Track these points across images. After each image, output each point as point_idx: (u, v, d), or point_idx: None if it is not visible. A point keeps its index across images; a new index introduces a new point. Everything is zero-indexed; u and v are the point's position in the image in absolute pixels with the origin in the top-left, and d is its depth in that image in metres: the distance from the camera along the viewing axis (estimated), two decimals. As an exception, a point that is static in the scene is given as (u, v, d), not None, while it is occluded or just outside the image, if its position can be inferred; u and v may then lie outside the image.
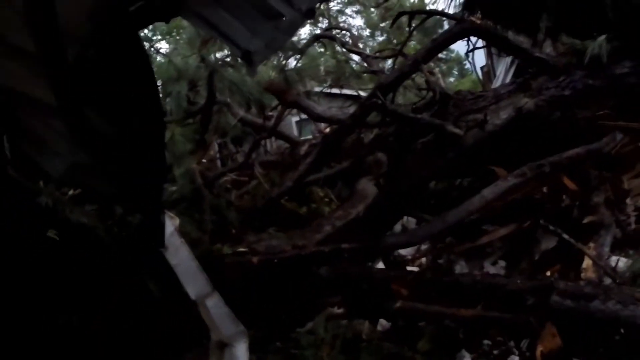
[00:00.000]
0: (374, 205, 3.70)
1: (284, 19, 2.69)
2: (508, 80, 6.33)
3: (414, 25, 5.62)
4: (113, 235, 3.28)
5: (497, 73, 6.71)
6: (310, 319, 3.71)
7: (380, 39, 14.28)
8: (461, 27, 4.60)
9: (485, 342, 3.12)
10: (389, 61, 9.30)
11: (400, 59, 6.12)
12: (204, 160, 6.43)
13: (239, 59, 2.88)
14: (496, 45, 5.24)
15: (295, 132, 10.89)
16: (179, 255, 2.87)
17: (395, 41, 12.56)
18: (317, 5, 3.09)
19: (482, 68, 9.21)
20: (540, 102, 4.47)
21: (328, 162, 5.39)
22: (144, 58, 2.49)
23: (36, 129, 2.52)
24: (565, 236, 3.55)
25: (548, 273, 3.64)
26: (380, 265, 4.06)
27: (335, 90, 9.17)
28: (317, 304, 3.77)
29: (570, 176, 4.16)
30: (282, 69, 6.18)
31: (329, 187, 5.52)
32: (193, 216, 3.99)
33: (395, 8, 11.26)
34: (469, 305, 2.90)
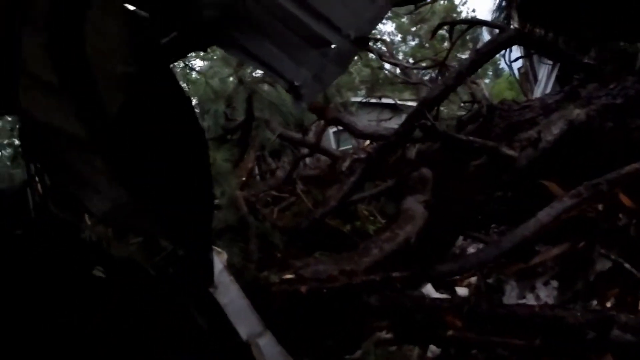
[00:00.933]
0: (425, 232, 3.60)
1: (332, 47, 2.55)
2: (551, 84, 6.14)
3: (454, 34, 5.46)
4: (160, 272, 3.24)
5: (539, 77, 6.51)
6: (358, 345, 3.64)
7: (413, 43, 14.14)
8: (507, 36, 4.45)
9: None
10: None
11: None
12: (243, 178, 6.42)
13: (286, 91, 2.75)
14: (543, 53, 5.07)
15: (332, 143, 10.82)
16: (229, 294, 2.83)
17: (427, 45, 12.45)
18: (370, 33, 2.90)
19: (519, 69, 8.98)
20: (591, 112, 4.30)
21: (373, 180, 5.31)
22: (179, 90, 2.41)
23: (76, 166, 2.39)
24: (621, 261, 3.38)
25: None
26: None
27: (372, 100, 9.08)
28: (366, 330, 3.69)
29: (626, 192, 3.98)
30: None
31: (372, 201, 5.43)
32: (238, 245, 3.96)
33: (427, 13, 11.13)
34: (524, 335, 2.79)
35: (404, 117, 9.85)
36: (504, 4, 5.29)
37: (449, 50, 5.81)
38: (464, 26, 5.77)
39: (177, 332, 3.11)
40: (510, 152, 3.40)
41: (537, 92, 6.37)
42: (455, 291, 4.21)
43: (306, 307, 3.52)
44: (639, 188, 3.93)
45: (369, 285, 3.42)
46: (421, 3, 7.28)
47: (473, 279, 4.40)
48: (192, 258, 3.08)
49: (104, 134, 2.12)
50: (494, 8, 5.73)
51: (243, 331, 2.75)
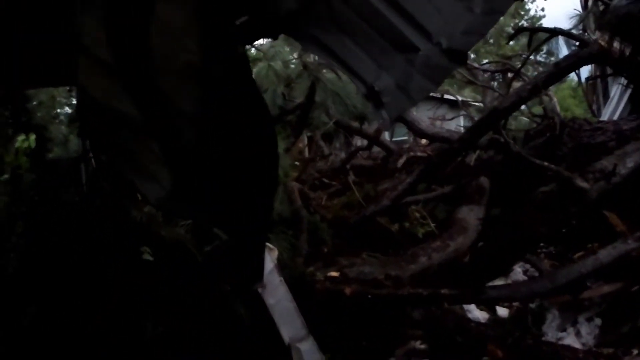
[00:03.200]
0: (479, 250, 3.53)
1: (420, 53, 2.30)
2: (623, 104, 5.84)
3: (533, 42, 5.22)
4: (209, 260, 3.24)
5: (611, 94, 6.20)
6: (392, 352, 3.63)
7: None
8: (589, 52, 4.24)
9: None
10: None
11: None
12: (296, 163, 6.42)
13: (364, 96, 2.58)
14: (624, 74, 4.81)
15: (387, 134, 10.67)
16: (277, 294, 2.81)
17: (491, 41, 11.98)
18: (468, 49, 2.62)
19: (587, 79, 8.55)
20: (669, 146, 4.07)
21: (429, 183, 5.22)
22: (249, 78, 2.21)
23: (132, 149, 2.30)
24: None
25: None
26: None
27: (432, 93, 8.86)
28: (400, 337, 3.67)
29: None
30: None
31: (425, 204, 5.35)
32: (289, 239, 3.96)
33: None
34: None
35: (462, 115, 9.69)
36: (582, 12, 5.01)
37: (526, 58, 5.57)
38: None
39: (217, 323, 3.14)
40: (583, 184, 3.26)
41: (608, 111, 6.09)
42: (496, 311, 4.14)
43: (348, 308, 3.52)
44: None
45: (414, 298, 3.40)
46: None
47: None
48: (244, 253, 3.07)
49: (166, 121, 2.04)
50: (573, 15, 5.46)
51: (286, 334, 2.75)
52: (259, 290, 2.85)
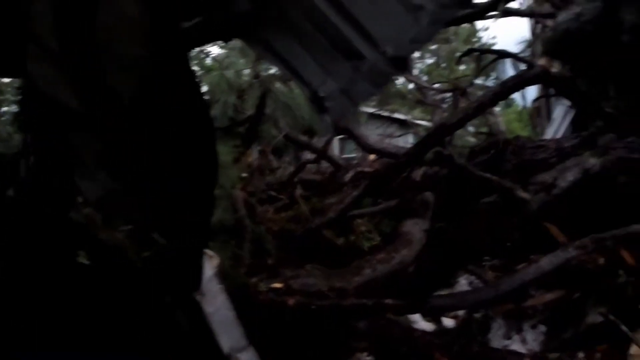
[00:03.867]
0: (423, 260, 3.52)
1: (366, 62, 2.36)
2: (565, 126, 6.08)
3: (479, 61, 5.38)
4: (148, 266, 3.09)
5: (553, 116, 6.45)
6: (336, 363, 3.56)
7: (430, 61, 14.05)
8: (534, 73, 4.38)
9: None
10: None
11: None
12: (244, 175, 6.32)
13: (308, 100, 2.59)
14: (567, 96, 5.00)
15: (337, 149, 10.75)
16: (216, 303, 2.70)
17: (444, 65, 12.39)
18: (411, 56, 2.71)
19: (532, 102, 8.90)
20: (607, 162, 4.22)
21: (374, 197, 5.22)
22: (192, 80, 2.25)
23: (75, 146, 2.28)
24: (617, 321, 3.31)
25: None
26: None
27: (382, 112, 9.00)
28: (345, 349, 3.60)
29: (629, 249, 3.92)
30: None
31: (371, 219, 5.35)
32: (231, 249, 3.85)
33: (449, 32, 11.06)
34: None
35: (411, 133, 9.92)
36: (530, 37, 5.23)
37: (474, 78, 5.72)
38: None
39: (156, 331, 2.98)
40: (524, 195, 3.32)
41: (550, 131, 6.31)
42: (441, 321, 4.15)
43: (291, 320, 3.43)
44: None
45: (359, 309, 3.35)
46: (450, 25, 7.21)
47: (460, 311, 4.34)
48: (183, 259, 2.94)
49: (109, 117, 2.00)
50: (521, 40, 5.67)
51: (225, 343, 2.64)
52: (198, 298, 2.73)
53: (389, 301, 3.31)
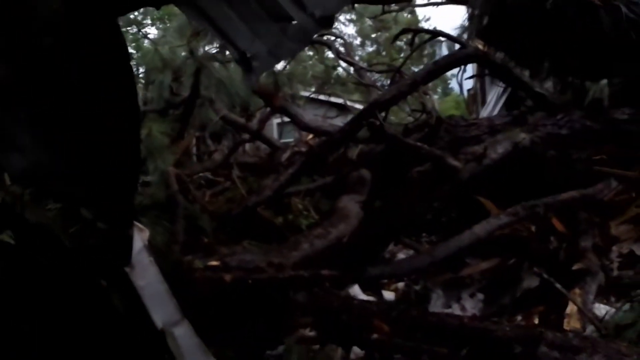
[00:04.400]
0: (359, 232, 3.51)
1: (294, 23, 2.35)
2: (498, 108, 6.26)
3: (415, 43, 5.43)
4: (76, 244, 2.90)
5: (488, 99, 6.63)
6: (280, 341, 3.49)
7: (370, 49, 14.19)
8: (466, 53, 4.46)
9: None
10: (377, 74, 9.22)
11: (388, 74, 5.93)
12: (178, 156, 6.12)
13: (235, 61, 2.55)
14: (498, 76, 5.14)
15: (275, 134, 10.63)
16: (147, 276, 2.52)
17: (384, 53, 12.56)
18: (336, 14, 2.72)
19: (468, 90, 9.18)
20: (536, 138, 4.37)
21: (311, 174, 5.18)
22: (122, 46, 2.18)
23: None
24: (552, 280, 3.42)
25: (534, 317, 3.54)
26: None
27: (320, 96, 8.97)
28: (288, 326, 3.54)
29: (558, 217, 4.07)
30: (273, 71, 5.91)
31: (307, 196, 5.31)
32: (164, 225, 3.69)
33: (389, 21, 11.18)
34: (450, 346, 2.76)
35: (350, 117, 9.91)
36: (467, 23, 5.32)
37: (407, 57, 5.79)
38: (425, 37, 5.77)
39: (88, 311, 2.81)
40: (455, 163, 3.37)
41: (484, 114, 6.48)
42: (382, 294, 4.17)
43: (229, 297, 3.33)
44: (571, 216, 4.05)
45: (296, 281, 3.29)
46: (387, 10, 7.22)
47: (400, 284, 4.38)
48: (110, 232, 2.79)
49: (33, 83, 1.85)
50: (458, 26, 5.77)
51: (158, 318, 2.48)
52: (128, 271, 2.59)
53: (325, 272, 3.27)
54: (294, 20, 2.34)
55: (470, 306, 3.89)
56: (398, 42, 12.98)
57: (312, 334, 3.54)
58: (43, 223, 2.96)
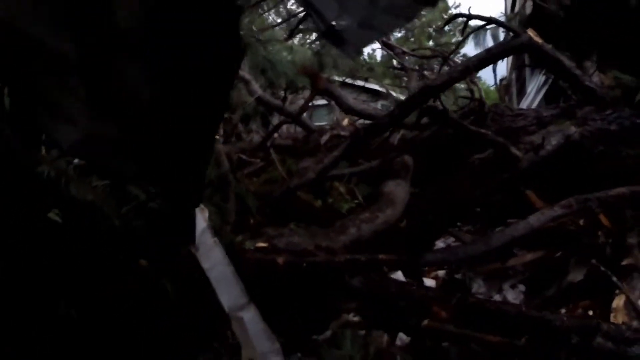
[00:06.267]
0: (414, 218, 3.51)
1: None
2: (538, 99, 6.22)
3: (466, 30, 5.37)
4: (128, 223, 2.78)
5: (528, 90, 6.58)
6: (326, 325, 3.50)
7: (398, 35, 14.04)
8: (520, 42, 4.41)
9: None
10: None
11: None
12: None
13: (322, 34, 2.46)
14: (548, 67, 5.09)
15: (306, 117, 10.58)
16: (212, 257, 2.45)
17: (412, 39, 12.43)
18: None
19: (501, 80, 9.05)
20: (585, 132, 4.35)
21: (352, 159, 5.17)
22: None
23: (49, 88, 1.98)
24: (609, 273, 3.43)
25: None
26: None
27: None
28: (333, 311, 3.55)
29: (605, 213, 4.06)
30: (318, 52, 5.86)
31: (347, 181, 5.29)
32: (217, 204, 3.68)
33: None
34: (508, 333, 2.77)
35: (381, 102, 9.87)
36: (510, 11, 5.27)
37: (459, 44, 5.74)
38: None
39: (137, 295, 2.68)
40: (517, 153, 3.36)
41: (524, 104, 6.44)
42: (422, 281, 4.18)
43: (280, 280, 3.31)
44: (617, 212, 4.04)
45: (352, 265, 3.29)
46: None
47: (441, 272, 4.39)
48: (174, 212, 2.68)
49: (97, 54, 1.73)
50: (499, 16, 5.70)
51: (225, 301, 2.45)
52: (192, 251, 2.52)
53: (382, 256, 3.28)
54: None
55: (512, 297, 3.90)
56: (427, 29, 12.91)
57: (356, 319, 3.56)
58: (91, 200, 2.83)
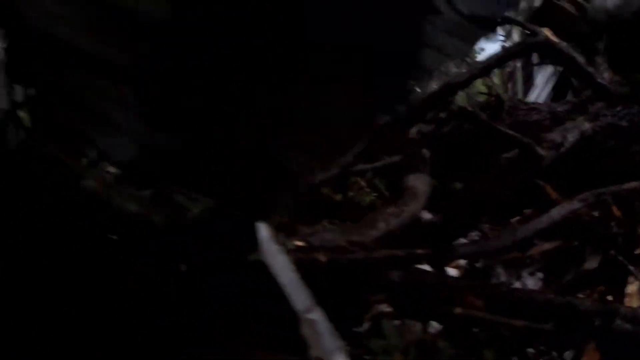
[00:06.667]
0: (444, 213, 3.74)
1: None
2: (547, 91, 6.42)
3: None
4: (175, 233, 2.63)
5: (536, 82, 6.78)
6: (358, 318, 3.64)
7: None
8: (536, 41, 4.61)
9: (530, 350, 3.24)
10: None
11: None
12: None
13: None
14: (562, 64, 5.30)
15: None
16: (278, 264, 2.58)
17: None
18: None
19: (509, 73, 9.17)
20: (597, 127, 4.58)
21: (376, 154, 5.35)
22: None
23: (96, 99, 1.88)
24: (625, 262, 3.69)
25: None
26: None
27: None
28: (364, 303, 3.68)
29: (617, 206, 4.31)
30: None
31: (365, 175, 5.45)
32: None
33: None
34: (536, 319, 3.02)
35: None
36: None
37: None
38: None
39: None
40: (542, 152, 3.60)
41: (532, 97, 6.65)
42: (445, 271, 4.40)
43: (321, 278, 3.42)
44: (628, 205, 4.29)
45: (392, 260, 3.49)
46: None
47: (462, 262, 4.62)
48: (235, 222, 2.58)
49: (143, 58, 1.65)
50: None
51: (295, 305, 2.53)
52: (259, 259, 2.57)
53: (419, 251, 3.48)
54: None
55: (531, 284, 4.13)
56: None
57: (388, 309, 3.75)
58: (137, 212, 2.63)
